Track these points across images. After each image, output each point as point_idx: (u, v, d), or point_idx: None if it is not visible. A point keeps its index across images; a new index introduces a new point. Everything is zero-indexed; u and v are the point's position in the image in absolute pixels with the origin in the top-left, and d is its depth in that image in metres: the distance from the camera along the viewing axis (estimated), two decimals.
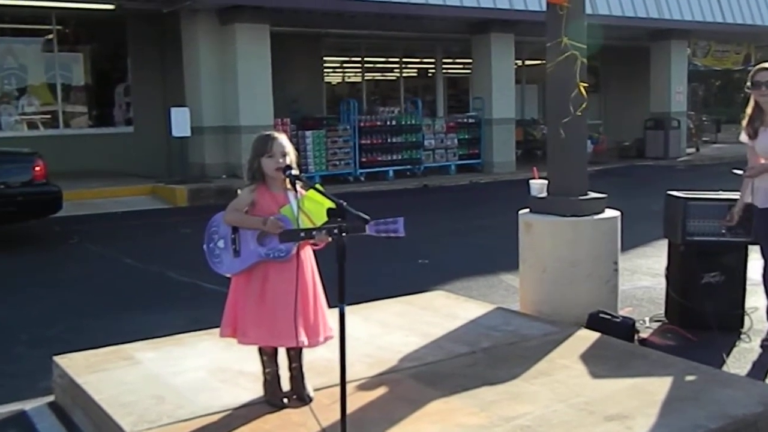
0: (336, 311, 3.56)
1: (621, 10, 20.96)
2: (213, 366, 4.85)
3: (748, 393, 4.39)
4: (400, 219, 3.66)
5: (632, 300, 7.31)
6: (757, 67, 5.83)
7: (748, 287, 6.39)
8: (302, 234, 3.94)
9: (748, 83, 5.76)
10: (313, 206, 3.95)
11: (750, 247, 6.28)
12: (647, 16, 21.67)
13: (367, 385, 4.54)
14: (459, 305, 6.39)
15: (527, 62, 25.13)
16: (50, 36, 18.32)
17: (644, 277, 8.31)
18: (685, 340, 6.02)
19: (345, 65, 24.59)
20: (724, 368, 5.38)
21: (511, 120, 20.62)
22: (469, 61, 21.50)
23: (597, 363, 4.87)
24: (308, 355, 4.35)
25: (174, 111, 15.94)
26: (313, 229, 3.90)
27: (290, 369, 4.32)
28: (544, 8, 6.46)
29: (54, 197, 11.01)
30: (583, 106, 6.24)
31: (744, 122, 5.88)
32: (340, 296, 3.52)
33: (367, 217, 3.60)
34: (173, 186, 15.51)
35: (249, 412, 4.17)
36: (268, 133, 4.23)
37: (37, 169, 10.76)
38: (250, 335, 4.15)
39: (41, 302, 7.81)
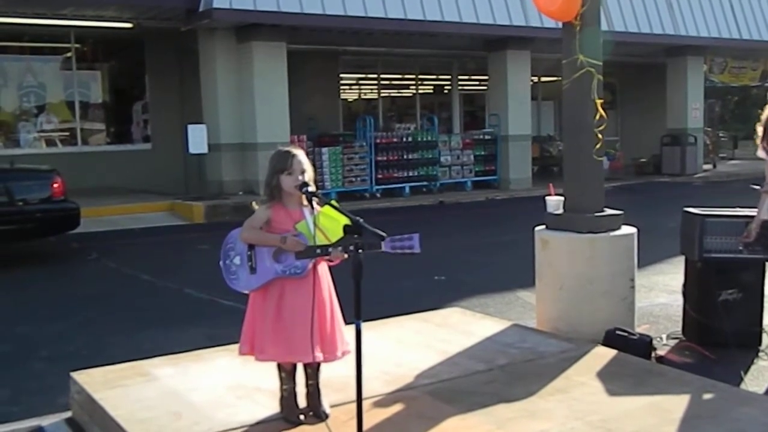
0: (352, 328, 3.57)
1: (637, 27, 20.97)
2: (230, 382, 4.86)
3: (766, 411, 4.36)
4: (416, 235, 3.66)
5: (649, 317, 7.28)
6: None
7: (766, 304, 6.35)
8: (318, 251, 3.95)
9: None
10: (329, 222, 3.96)
11: None
12: (663, 33, 21.65)
13: (384, 401, 4.53)
14: (475, 322, 6.38)
15: (543, 79, 25.12)
16: (69, 54, 18.50)
17: (661, 294, 8.28)
18: (703, 358, 5.98)
19: (361, 82, 24.67)
20: (742, 386, 5.34)
21: (527, 136, 20.64)
22: (485, 77, 21.55)
23: (614, 380, 4.85)
24: (325, 372, 4.36)
25: (191, 128, 16.06)
26: (330, 245, 3.91)
27: (307, 386, 4.32)
28: (560, 25, 6.48)
29: (72, 214, 11.09)
30: (602, 127, 6.25)
31: (759, 137, 5.85)
32: (357, 313, 3.54)
33: (383, 233, 3.61)
34: (190, 203, 15.58)
35: (266, 428, 4.18)
36: (286, 149, 4.21)
37: (56, 186, 10.85)
38: (267, 352, 4.15)
39: (60, 318, 7.85)
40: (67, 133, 18.63)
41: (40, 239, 11.51)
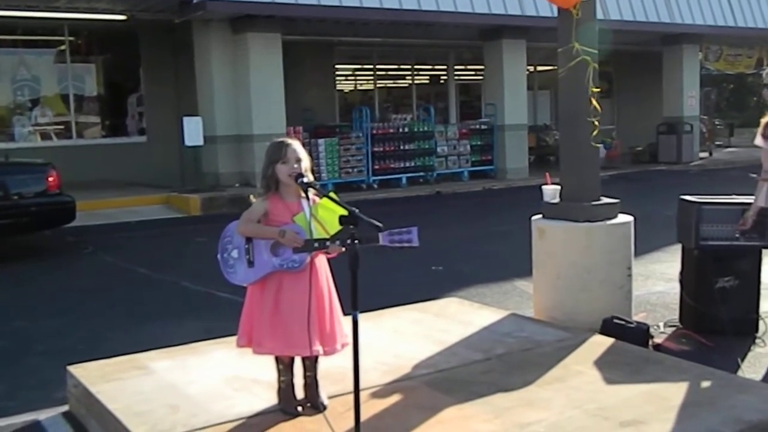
0: (349, 319, 3.57)
1: (632, 15, 20.95)
2: (227, 374, 4.85)
3: (763, 398, 4.36)
4: (414, 229, 3.64)
5: (646, 305, 7.28)
6: None
7: (762, 291, 6.36)
8: (316, 244, 3.94)
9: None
10: (327, 214, 3.95)
11: (764, 251, 6.26)
12: (659, 21, 21.65)
13: (382, 392, 4.53)
14: (473, 312, 6.38)
15: (539, 68, 25.10)
16: (63, 47, 18.44)
17: (658, 282, 8.28)
18: (700, 345, 5.99)
19: (357, 73, 24.60)
20: (739, 373, 5.35)
21: (524, 126, 20.62)
22: (481, 67, 21.52)
23: (611, 369, 4.85)
24: (323, 363, 4.35)
25: (186, 120, 16.01)
26: (327, 239, 3.90)
27: (305, 377, 4.32)
28: (556, 14, 6.46)
29: (67, 207, 11.06)
30: (597, 119, 6.23)
31: (762, 125, 5.84)
32: (353, 304, 3.53)
33: (379, 224, 3.60)
34: (186, 195, 15.56)
35: (263, 420, 4.17)
36: (281, 139, 4.22)
37: (51, 179, 10.82)
38: (265, 345, 4.14)
39: (56, 313, 7.83)
40: (62, 127, 18.58)
41: (36, 233, 11.48)
